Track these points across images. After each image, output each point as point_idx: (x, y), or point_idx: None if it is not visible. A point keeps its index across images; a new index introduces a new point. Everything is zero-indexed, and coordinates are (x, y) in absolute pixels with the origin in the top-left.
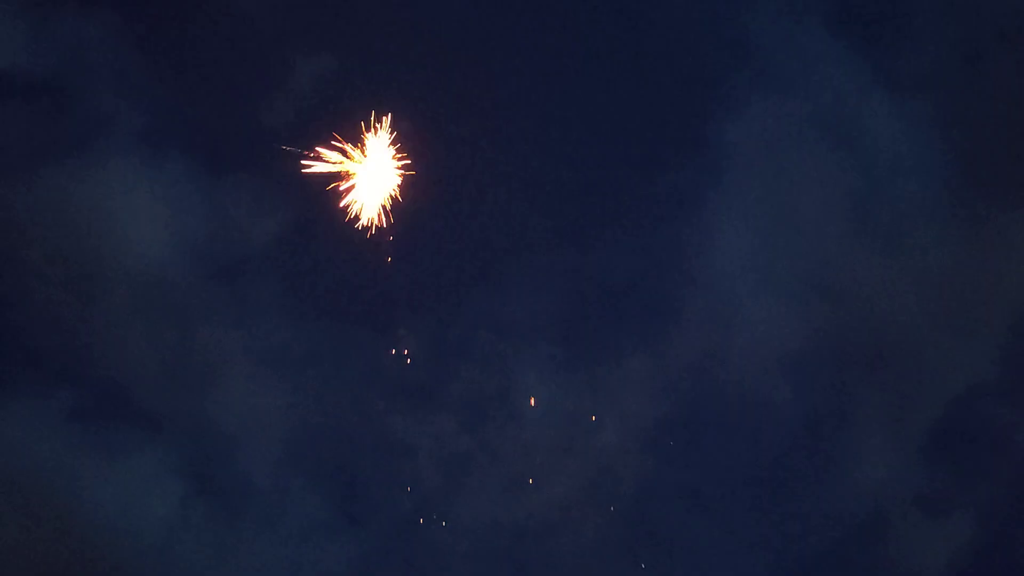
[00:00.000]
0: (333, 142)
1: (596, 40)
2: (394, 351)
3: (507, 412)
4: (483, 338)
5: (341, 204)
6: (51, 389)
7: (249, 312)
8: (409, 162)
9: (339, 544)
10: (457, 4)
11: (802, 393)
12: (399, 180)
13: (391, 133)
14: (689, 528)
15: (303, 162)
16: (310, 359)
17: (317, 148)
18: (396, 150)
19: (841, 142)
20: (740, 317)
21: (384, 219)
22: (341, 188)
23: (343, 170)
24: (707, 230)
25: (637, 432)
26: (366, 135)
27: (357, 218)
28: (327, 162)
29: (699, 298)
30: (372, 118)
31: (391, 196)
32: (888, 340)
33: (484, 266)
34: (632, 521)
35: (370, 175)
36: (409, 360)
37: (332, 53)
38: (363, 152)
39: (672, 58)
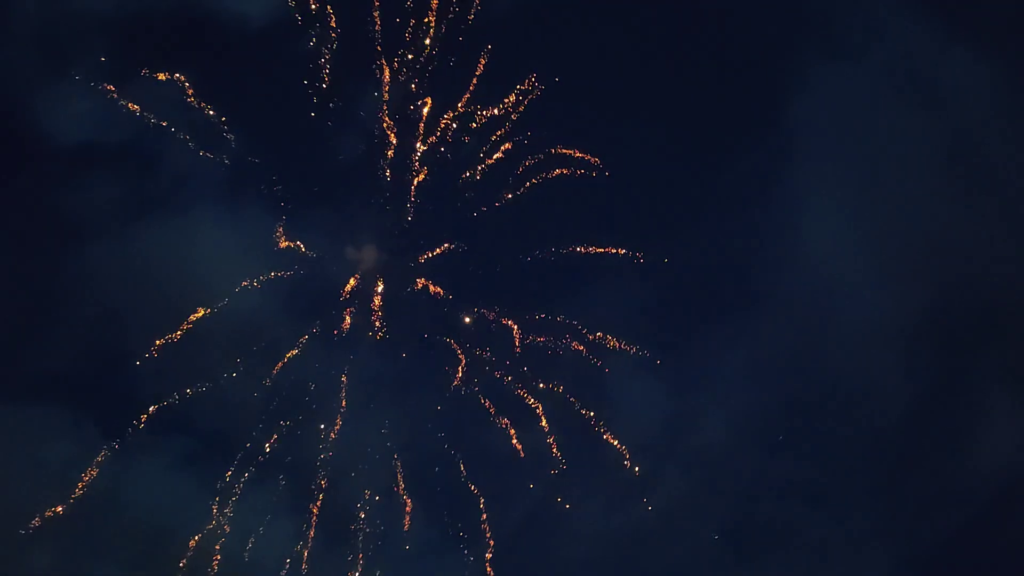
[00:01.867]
0: None
1: (652, 29)
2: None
3: (604, 418)
4: (572, 345)
5: None
6: (161, 439)
7: (340, 345)
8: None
9: (452, 563)
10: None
11: (912, 371)
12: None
13: None
14: (804, 522)
15: None
16: (403, 384)
17: None
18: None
19: (923, 104)
20: (837, 296)
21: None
22: None
23: None
24: (790, 210)
25: (741, 428)
26: None
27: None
28: None
29: (791, 281)
30: None
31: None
32: (1000, 306)
33: (565, 270)
34: (744, 519)
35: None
36: (500, 374)
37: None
38: None
39: (732, 35)
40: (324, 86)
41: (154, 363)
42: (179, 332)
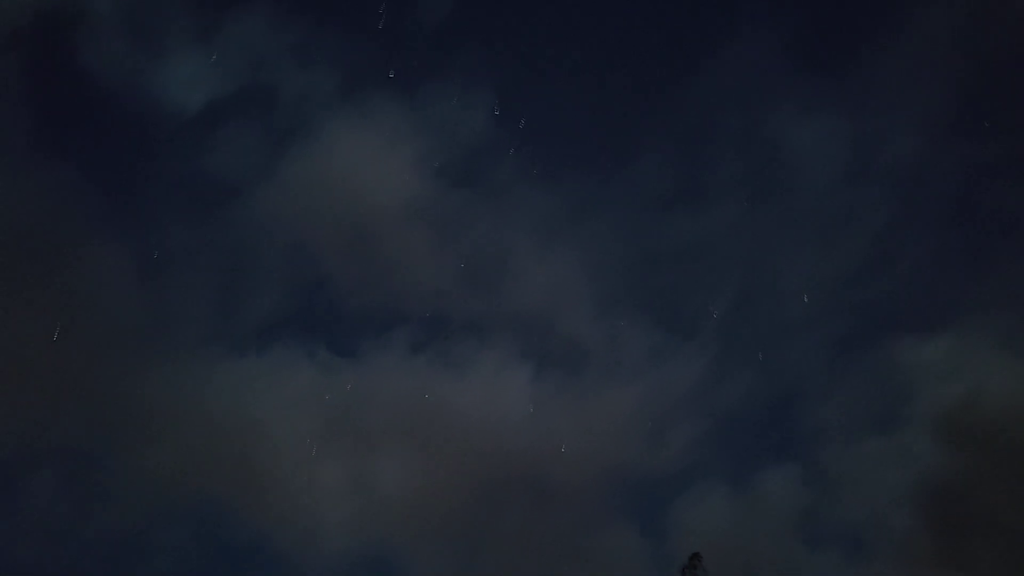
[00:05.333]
0: None
1: None
2: None
3: (786, 165)
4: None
5: None
6: (389, 334)
7: (506, 198)
8: None
9: (681, 361)
10: None
11: None
12: None
13: None
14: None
15: None
16: (580, 215)
17: None
18: None
19: None
20: None
21: None
22: None
23: None
24: None
25: (931, 129)
26: None
27: None
28: None
29: None
30: None
31: None
32: None
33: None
34: (963, 223)
35: None
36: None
37: None
38: None
39: None
40: None
41: (352, 276)
42: (362, 240)
